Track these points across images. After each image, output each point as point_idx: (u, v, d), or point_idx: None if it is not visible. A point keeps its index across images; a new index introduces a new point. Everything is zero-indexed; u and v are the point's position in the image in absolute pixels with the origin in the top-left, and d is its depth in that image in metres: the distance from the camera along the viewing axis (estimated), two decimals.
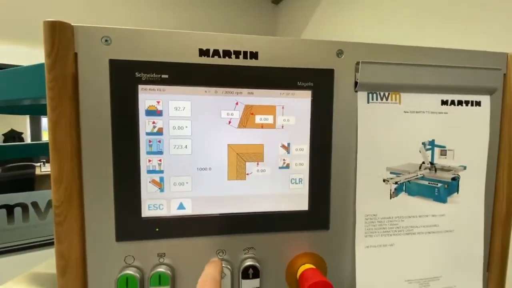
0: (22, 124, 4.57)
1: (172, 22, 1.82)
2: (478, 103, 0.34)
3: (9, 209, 1.70)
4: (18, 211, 1.72)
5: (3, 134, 4.20)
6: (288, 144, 0.30)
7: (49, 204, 1.83)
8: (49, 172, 0.25)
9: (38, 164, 3.47)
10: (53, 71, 0.24)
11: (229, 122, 0.29)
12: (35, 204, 1.84)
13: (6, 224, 1.67)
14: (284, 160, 0.30)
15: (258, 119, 0.29)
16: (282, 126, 0.30)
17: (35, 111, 1.01)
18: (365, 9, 1.59)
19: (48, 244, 1.60)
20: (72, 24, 0.25)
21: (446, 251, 0.34)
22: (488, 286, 0.36)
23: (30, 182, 2.99)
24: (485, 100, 0.34)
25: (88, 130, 0.26)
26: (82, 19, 0.26)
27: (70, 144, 0.25)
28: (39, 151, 1.87)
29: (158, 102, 0.27)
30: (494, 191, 0.35)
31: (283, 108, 0.29)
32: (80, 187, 0.26)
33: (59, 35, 0.24)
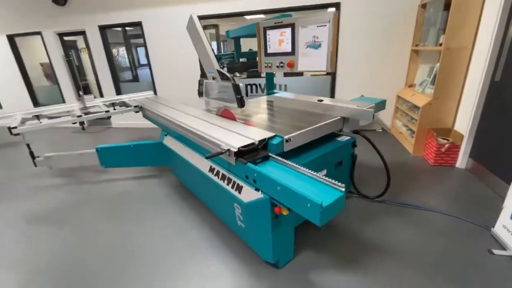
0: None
1: None
2: (325, 26, 1.58)
3: (249, 86, 3.91)
4: (253, 87, 3.93)
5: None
6: None
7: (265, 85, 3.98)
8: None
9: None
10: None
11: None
12: (259, 85, 3.99)
13: (250, 92, 3.91)
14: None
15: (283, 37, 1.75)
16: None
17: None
18: None
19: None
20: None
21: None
22: (332, 69, 1.65)
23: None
24: (328, 24, 1.57)
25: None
26: None
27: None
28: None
29: (269, 34, 1.80)
30: (331, 48, 1.60)
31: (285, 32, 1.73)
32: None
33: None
